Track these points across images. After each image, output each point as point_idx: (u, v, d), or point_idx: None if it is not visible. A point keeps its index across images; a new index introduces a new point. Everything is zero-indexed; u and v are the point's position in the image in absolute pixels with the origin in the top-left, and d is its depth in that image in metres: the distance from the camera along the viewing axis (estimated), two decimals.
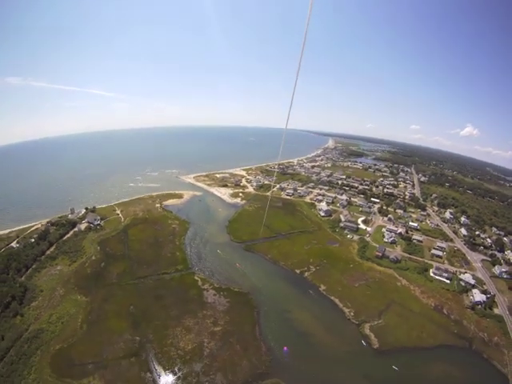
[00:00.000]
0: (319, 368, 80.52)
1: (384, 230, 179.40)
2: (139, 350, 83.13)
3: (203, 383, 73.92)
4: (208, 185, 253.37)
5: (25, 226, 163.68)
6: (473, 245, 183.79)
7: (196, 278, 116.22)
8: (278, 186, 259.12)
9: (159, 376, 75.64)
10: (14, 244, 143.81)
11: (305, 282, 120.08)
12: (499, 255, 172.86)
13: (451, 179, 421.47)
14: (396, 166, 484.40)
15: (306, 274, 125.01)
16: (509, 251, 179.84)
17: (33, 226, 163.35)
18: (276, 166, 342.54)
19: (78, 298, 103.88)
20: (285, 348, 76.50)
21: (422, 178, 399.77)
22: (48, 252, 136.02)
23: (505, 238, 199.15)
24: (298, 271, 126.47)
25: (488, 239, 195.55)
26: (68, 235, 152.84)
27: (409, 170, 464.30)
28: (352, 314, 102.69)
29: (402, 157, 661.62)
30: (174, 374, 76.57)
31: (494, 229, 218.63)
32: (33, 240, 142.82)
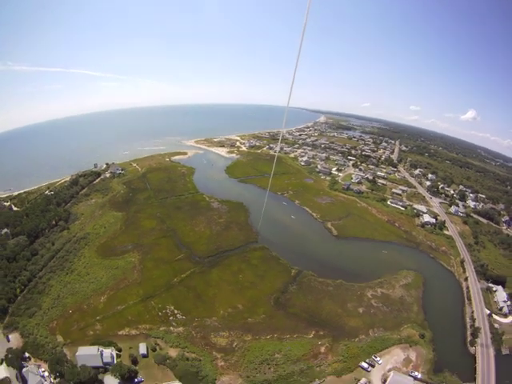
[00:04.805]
0: (293, 242, 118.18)
1: (353, 174, 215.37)
2: (166, 233, 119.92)
3: (213, 247, 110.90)
4: (207, 146, 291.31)
5: (53, 181, 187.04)
6: (434, 192, 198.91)
7: (204, 196, 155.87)
8: (267, 146, 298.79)
9: (182, 245, 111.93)
10: (47, 192, 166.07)
11: (284, 199, 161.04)
12: (460, 203, 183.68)
13: (433, 152, 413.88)
14: (381, 138, 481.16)
15: (286, 194, 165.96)
16: (470, 201, 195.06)
17: (61, 180, 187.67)
18: (266, 134, 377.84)
19: (115, 214, 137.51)
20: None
21: (404, 148, 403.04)
22: (81, 192, 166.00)
23: (470, 195, 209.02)
24: (279, 193, 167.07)
25: (452, 191, 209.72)
26: (96, 181, 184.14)
27: (393, 141, 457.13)
28: (318, 216, 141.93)
29: (391, 132, 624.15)
30: (192, 243, 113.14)
31: (461, 186, 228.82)
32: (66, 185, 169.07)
